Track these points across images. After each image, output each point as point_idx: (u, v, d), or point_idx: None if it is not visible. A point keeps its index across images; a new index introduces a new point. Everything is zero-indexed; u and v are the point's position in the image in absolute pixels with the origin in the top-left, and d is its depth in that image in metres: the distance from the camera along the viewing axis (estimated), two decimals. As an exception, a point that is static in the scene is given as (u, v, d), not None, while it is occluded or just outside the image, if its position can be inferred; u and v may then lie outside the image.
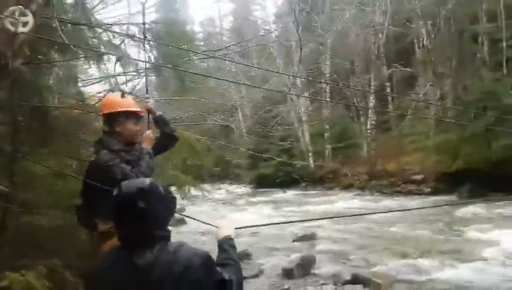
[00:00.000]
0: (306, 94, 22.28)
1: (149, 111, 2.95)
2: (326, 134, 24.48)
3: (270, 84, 20.01)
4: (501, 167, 14.47)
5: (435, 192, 16.99)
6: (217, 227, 1.81)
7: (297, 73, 14.87)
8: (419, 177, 18.87)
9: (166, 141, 3.03)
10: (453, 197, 15.55)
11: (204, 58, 6.75)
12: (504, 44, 16.84)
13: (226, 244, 1.67)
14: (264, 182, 24.67)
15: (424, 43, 20.94)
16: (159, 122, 2.99)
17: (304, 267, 6.09)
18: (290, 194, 20.96)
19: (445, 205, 12.55)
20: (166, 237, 1.49)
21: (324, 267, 6.19)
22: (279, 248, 7.70)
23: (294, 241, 8.32)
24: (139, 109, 2.83)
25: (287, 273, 6.00)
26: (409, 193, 17.91)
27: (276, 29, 21.71)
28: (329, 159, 24.11)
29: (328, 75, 23.68)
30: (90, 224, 2.64)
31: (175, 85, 5.76)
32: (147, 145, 2.77)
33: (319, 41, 22.49)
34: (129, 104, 2.79)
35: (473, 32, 18.46)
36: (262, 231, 8.67)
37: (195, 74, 5.71)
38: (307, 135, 24.90)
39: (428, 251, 7.09)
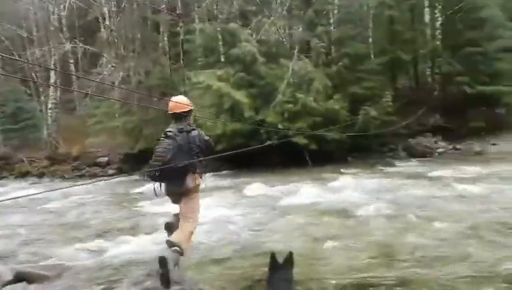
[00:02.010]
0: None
1: None
2: (-5, 113, 20.40)
3: None
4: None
5: (119, 173, 17.22)
6: None
7: None
8: (104, 159, 18.71)
9: None
10: (135, 177, 16.19)
11: None
12: (181, 37, 18.89)
13: None
14: None
15: (107, 23, 20.70)
16: None
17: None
18: None
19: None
20: None
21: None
22: None
23: None
24: None
25: None
26: (94, 176, 17.40)
27: None
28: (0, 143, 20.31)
29: (-4, 41, 19.74)
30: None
31: None
32: None
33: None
34: None
35: (156, 22, 19.79)
36: None
37: None
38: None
39: (107, 231, 6.92)
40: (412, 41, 17.18)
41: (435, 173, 10.34)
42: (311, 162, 13.69)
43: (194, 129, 4.10)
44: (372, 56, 16.77)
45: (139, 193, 11.69)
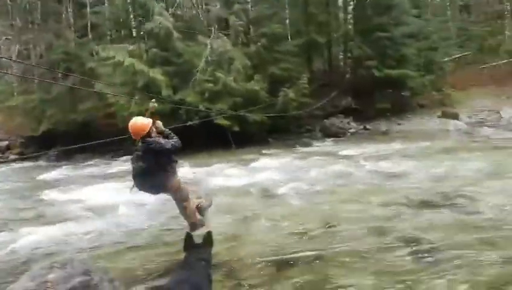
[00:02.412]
0: None
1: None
2: None
3: None
4: (86, 128, 15.12)
5: (21, 158, 15.57)
6: None
7: None
8: (3, 143, 16.83)
9: None
10: (41, 162, 14.78)
11: None
12: (88, 9, 17.38)
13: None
14: None
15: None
16: None
17: None
18: None
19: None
20: None
21: None
22: None
23: None
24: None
25: None
26: (-8, 163, 15.49)
27: None
28: None
29: None
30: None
31: None
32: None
33: None
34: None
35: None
36: None
37: None
38: None
39: (11, 221, 6.27)
40: (326, 24, 17.71)
41: (348, 152, 10.86)
42: (234, 143, 13.62)
43: (158, 143, 4.45)
44: (289, 37, 17.02)
45: (45, 179, 10.70)
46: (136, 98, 12.67)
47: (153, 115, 4.65)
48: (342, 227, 4.79)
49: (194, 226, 4.71)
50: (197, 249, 2.83)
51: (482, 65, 19.98)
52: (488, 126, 13.98)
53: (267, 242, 4.49)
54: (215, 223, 5.26)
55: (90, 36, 17.47)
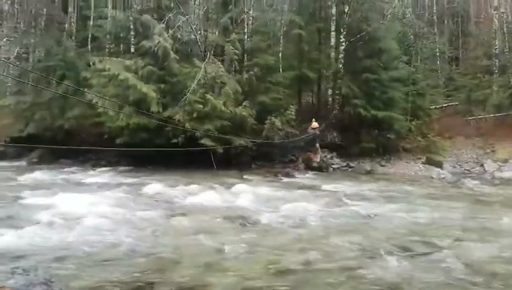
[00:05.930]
0: None
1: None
2: None
3: None
4: (71, 136, 15.13)
5: (3, 157, 15.46)
6: None
7: None
8: (-15, 141, 16.58)
9: None
10: (22, 163, 14.66)
11: None
12: (91, 22, 17.76)
13: None
14: None
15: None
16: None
17: None
18: None
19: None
20: None
21: None
22: None
23: None
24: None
25: None
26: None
27: None
28: None
29: None
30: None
31: None
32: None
33: None
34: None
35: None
36: None
37: None
38: None
39: None
40: (318, 61, 18.15)
41: (330, 187, 10.73)
42: (216, 166, 13.66)
43: (316, 134, 14.61)
44: (281, 70, 17.38)
45: (23, 181, 10.62)
46: (124, 111, 12.81)
47: (316, 121, 14.54)
48: (318, 264, 4.66)
49: (316, 163, 14.83)
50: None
51: (468, 116, 20.23)
52: (472, 178, 13.52)
53: (240, 272, 4.35)
54: (189, 245, 5.16)
55: (89, 47, 17.76)
